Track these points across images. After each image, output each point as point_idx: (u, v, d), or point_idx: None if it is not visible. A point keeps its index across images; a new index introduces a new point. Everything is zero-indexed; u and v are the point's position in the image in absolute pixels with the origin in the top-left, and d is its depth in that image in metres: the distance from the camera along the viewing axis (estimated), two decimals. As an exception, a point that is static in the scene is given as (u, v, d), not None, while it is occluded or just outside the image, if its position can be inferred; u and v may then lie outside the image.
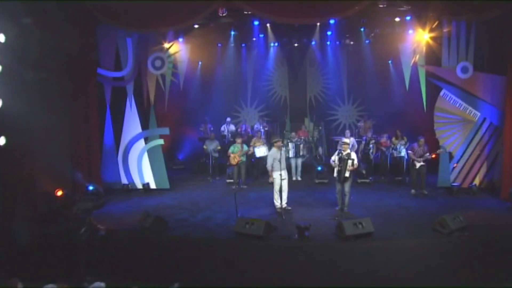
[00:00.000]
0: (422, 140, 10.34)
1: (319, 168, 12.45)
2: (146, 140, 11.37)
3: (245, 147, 11.93)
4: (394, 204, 9.58)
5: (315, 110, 16.43)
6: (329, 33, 14.12)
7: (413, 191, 10.49)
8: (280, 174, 8.97)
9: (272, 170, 9.07)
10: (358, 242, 6.90)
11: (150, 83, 11.56)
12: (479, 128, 10.48)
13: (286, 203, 9.22)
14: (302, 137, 13.37)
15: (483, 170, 10.53)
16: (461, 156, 10.56)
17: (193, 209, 9.49)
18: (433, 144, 10.72)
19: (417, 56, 11.26)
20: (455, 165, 10.60)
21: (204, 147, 13.19)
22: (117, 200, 10.38)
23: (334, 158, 9.03)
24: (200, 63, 15.34)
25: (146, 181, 11.37)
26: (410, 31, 12.89)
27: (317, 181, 12.22)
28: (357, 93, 16.19)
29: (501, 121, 10.31)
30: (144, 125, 11.38)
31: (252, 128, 15.46)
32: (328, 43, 15.22)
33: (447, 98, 10.60)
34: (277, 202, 9.17)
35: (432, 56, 10.92)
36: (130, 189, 11.24)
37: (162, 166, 11.31)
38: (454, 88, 10.55)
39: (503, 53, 10.04)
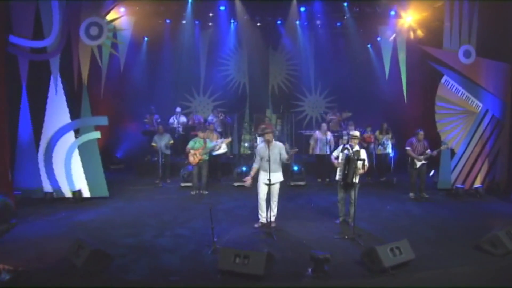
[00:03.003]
0: (421, 133, 8.75)
1: (295, 168, 10.45)
2: (77, 133, 8.53)
3: (209, 143, 9.55)
4: (394, 212, 7.89)
5: (279, 100, 14.42)
6: (302, 9, 12.12)
7: (411, 194, 8.90)
8: (269, 179, 6.71)
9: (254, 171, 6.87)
10: (398, 276, 4.92)
11: (83, 57, 8.59)
12: (481, 121, 9.19)
13: (275, 216, 7.02)
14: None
15: (484, 169, 9.25)
16: (463, 153, 9.18)
17: (146, 227, 6.90)
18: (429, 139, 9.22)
19: (415, 32, 9.66)
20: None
21: (153, 144, 10.54)
22: (36, 215, 7.50)
23: (337, 154, 7.03)
24: (146, 39, 12.50)
25: (77, 187, 8.55)
26: (393, 12, 11.54)
27: (292, 183, 10.22)
28: (325, 82, 14.42)
29: (504, 114, 9.13)
30: (74, 113, 8.54)
31: (206, 120, 13.03)
32: (298, 22, 13.19)
33: (449, 86, 9.15)
34: (262, 215, 6.95)
35: (432, 36, 9.37)
36: (55, 199, 8.50)
37: (99, 167, 8.50)
38: (456, 75, 9.13)
39: (508, 37, 8.83)
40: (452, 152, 9.17)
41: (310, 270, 4.97)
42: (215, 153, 10.23)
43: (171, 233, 6.61)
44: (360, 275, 5.01)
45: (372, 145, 10.73)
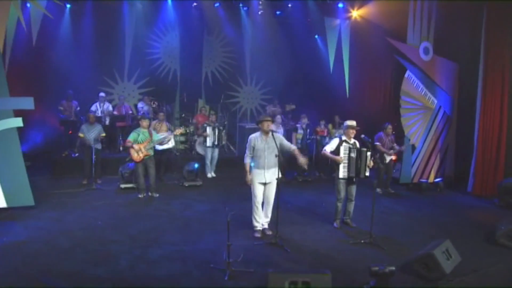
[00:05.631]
0: (389, 127, 8.57)
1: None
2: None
3: (156, 136, 7.93)
4: (377, 208, 7.41)
5: (212, 90, 13.12)
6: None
7: (379, 190, 8.64)
8: (264, 176, 5.62)
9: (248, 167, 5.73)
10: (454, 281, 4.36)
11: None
12: (435, 117, 9.45)
13: (268, 222, 5.94)
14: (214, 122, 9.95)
15: (437, 164, 9.56)
16: (421, 148, 9.33)
17: (111, 246, 5.10)
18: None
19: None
20: None
21: (80, 134, 8.40)
22: None
23: (333, 149, 6.21)
24: (68, 6, 9.97)
25: (-14, 195, 6.03)
26: (341, 5, 11.36)
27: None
28: (261, 73, 13.58)
29: (453, 110, 9.57)
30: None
31: (136, 108, 11.09)
32: (241, 5, 12.08)
33: (411, 81, 9.18)
34: (259, 221, 5.80)
35: (398, 29, 9.27)
36: None
37: (20, 167, 6.16)
38: (417, 70, 9.21)
39: (458, 38, 9.26)
40: (413, 147, 9.23)
41: (370, 286, 4.07)
42: (160, 148, 8.61)
43: (152, 253, 4.97)
44: (417, 284, 4.30)
45: (326, 139, 10.31)
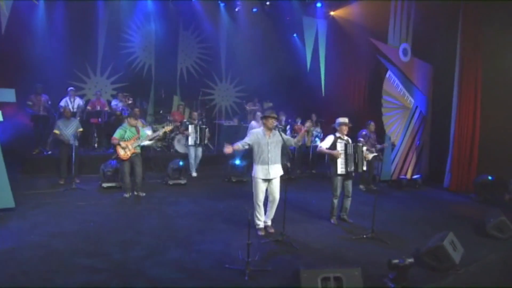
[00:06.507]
0: (372, 124, 8.79)
1: (237, 162, 9.28)
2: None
3: (144, 132, 7.63)
4: (367, 204, 7.64)
5: (187, 86, 12.82)
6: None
7: (361, 186, 8.90)
8: (269, 171, 5.53)
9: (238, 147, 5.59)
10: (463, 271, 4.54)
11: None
12: (412, 116, 9.85)
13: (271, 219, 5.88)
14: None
15: (413, 161, 9.96)
16: (400, 146, 9.67)
17: (113, 256, 4.78)
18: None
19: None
20: None
21: (56, 131, 7.88)
22: None
23: (329, 145, 6.26)
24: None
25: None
26: (319, 4, 11.54)
27: (234, 179, 9.08)
28: (237, 70, 13.45)
29: (428, 110, 10.01)
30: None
31: (109, 105, 10.58)
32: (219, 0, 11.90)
33: (392, 81, 9.49)
34: (261, 219, 5.71)
35: (379, 30, 9.53)
36: None
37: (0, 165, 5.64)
38: (396, 70, 9.54)
39: (433, 41, 9.70)
40: (392, 145, 9.54)
41: (389, 279, 4.13)
42: (141, 144, 8.25)
43: (158, 255, 4.69)
44: (429, 275, 4.42)
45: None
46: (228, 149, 5.42)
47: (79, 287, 3.82)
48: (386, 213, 7.15)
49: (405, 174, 9.71)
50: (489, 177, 8.08)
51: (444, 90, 9.50)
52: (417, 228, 6.31)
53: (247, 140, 5.58)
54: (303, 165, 10.65)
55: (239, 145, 5.54)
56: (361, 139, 8.63)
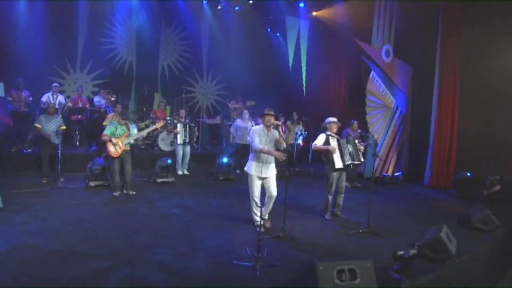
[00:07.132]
0: (355, 123, 9.00)
1: (225, 161, 9.27)
2: None
3: (134, 130, 7.51)
4: (358, 201, 7.86)
5: (168, 84, 12.65)
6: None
7: (347, 183, 9.05)
8: (262, 170, 5.59)
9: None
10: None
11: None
12: (393, 115, 10.18)
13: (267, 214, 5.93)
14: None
15: (394, 160, 10.30)
16: (382, 145, 9.98)
17: (116, 256, 4.67)
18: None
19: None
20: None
21: (37, 125, 7.62)
22: None
23: (321, 142, 6.41)
24: None
25: None
26: (302, 4, 11.71)
27: (221, 177, 9.06)
28: (218, 68, 13.40)
29: (408, 110, 10.38)
30: None
31: (92, 102, 10.28)
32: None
33: (375, 81, 9.76)
34: (257, 214, 5.73)
35: (363, 31, 9.77)
36: None
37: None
38: (379, 71, 9.82)
39: (413, 42, 10.06)
40: (375, 143, 9.82)
41: (394, 270, 4.29)
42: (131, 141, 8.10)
43: (162, 254, 4.62)
44: (427, 266, 4.62)
45: (284, 135, 10.52)
46: (277, 154, 5.46)
47: (86, 287, 3.72)
48: (375, 209, 7.35)
49: (387, 172, 10.02)
50: (468, 174, 8.49)
51: (424, 90, 9.86)
52: (407, 222, 6.56)
53: (258, 141, 5.56)
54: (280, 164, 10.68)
55: (263, 147, 5.52)
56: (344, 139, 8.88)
